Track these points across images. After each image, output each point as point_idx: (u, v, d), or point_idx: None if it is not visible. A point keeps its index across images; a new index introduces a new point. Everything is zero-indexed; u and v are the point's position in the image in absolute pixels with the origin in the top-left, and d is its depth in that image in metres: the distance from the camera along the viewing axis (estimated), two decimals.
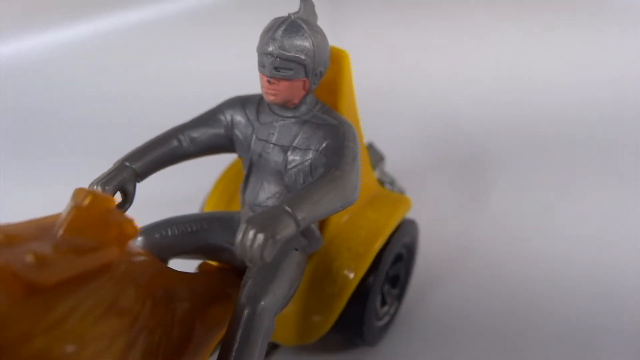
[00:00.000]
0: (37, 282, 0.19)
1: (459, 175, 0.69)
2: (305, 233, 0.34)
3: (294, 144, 0.32)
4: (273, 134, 0.33)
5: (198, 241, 0.35)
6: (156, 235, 0.33)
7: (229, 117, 0.34)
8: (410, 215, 0.45)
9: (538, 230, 0.59)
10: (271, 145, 0.33)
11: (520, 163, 0.72)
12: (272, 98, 0.31)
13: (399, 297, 0.46)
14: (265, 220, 0.24)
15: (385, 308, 0.44)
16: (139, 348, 0.22)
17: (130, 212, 0.28)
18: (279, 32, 0.29)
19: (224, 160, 0.44)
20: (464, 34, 1.19)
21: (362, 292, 0.38)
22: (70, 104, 0.88)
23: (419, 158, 0.72)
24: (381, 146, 0.56)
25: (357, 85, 0.39)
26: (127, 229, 0.22)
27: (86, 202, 0.22)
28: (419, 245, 0.48)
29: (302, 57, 0.30)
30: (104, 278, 0.21)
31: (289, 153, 0.32)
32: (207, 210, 0.44)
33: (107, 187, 0.30)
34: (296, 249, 0.33)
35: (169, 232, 0.34)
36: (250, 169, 0.34)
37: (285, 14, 0.31)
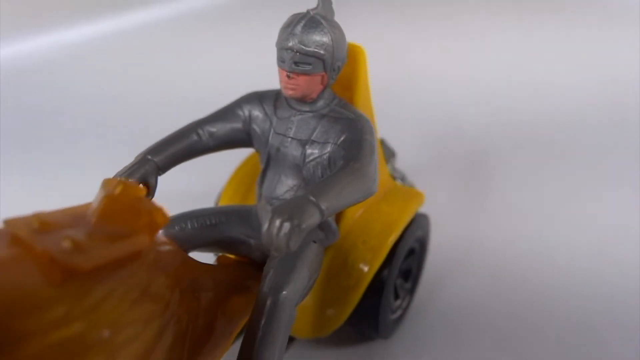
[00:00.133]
0: (74, 267, 0.19)
1: (466, 173, 0.70)
2: (322, 226, 0.35)
3: (312, 138, 0.32)
4: (291, 128, 0.33)
5: (217, 234, 0.35)
6: (176, 228, 0.34)
7: (246, 112, 0.35)
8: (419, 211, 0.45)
9: (544, 226, 0.59)
10: (289, 139, 0.33)
11: (526, 161, 0.73)
12: (291, 92, 0.32)
13: (411, 291, 0.46)
14: (291, 209, 0.24)
15: (398, 302, 0.45)
16: (169, 334, 0.23)
17: None
18: (299, 28, 0.30)
19: (238, 156, 0.45)
20: (469, 34, 1.20)
21: (377, 285, 0.39)
22: (75, 104, 0.89)
23: (426, 155, 0.72)
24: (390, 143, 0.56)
25: None
26: (157, 217, 0.23)
27: (117, 191, 0.22)
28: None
29: (321, 52, 0.30)
30: (135, 265, 0.22)
31: (307, 146, 0.32)
32: (222, 204, 0.44)
33: (130, 180, 0.31)
34: (314, 242, 0.34)
35: (189, 225, 0.34)
36: (268, 162, 0.35)
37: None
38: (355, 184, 0.28)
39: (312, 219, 0.25)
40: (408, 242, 0.41)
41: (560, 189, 0.66)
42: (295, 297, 0.30)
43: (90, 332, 0.19)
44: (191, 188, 0.50)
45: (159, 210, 0.23)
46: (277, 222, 0.24)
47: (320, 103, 0.33)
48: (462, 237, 0.57)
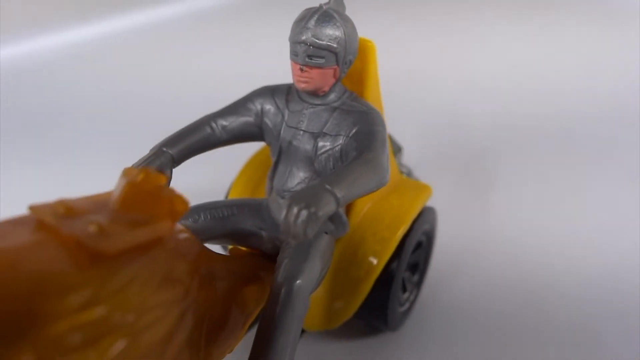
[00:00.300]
0: (100, 251, 0.19)
1: (470, 168, 0.70)
2: (333, 218, 0.35)
3: (324, 130, 0.33)
4: (303, 121, 0.34)
5: (229, 226, 0.36)
6: (189, 220, 0.34)
7: (258, 106, 0.35)
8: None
9: (548, 222, 0.60)
10: (301, 132, 0.34)
11: (530, 157, 0.73)
12: (303, 85, 0.32)
13: (418, 284, 0.47)
14: (308, 197, 0.25)
15: (406, 295, 0.45)
16: (189, 320, 0.23)
17: None
18: (312, 22, 0.31)
19: (246, 151, 0.46)
20: (475, 31, 1.22)
21: (386, 277, 0.39)
22: (78, 104, 0.89)
23: (431, 151, 0.73)
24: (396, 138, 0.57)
25: None
26: (177, 205, 0.23)
27: (139, 178, 0.23)
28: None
29: (334, 45, 0.31)
30: (157, 251, 0.22)
31: (319, 139, 0.33)
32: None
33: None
34: (326, 233, 0.34)
35: (202, 217, 0.35)
36: (279, 156, 0.35)
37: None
38: (369, 173, 0.28)
39: (329, 206, 0.25)
40: (416, 234, 0.41)
41: (564, 185, 0.67)
42: (309, 286, 0.30)
43: (115, 315, 0.19)
44: (200, 184, 0.50)
45: (179, 198, 0.23)
46: (295, 210, 0.24)
47: (332, 96, 0.33)
48: (466, 232, 0.58)
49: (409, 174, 0.52)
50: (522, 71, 0.99)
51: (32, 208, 0.21)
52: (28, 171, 0.69)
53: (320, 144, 0.33)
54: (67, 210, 0.21)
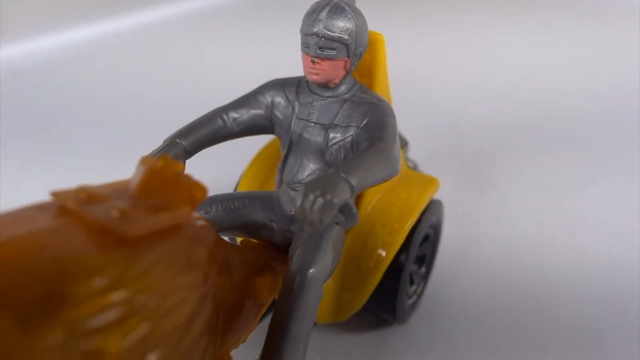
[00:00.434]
0: (123, 235, 0.20)
1: (474, 164, 0.71)
2: (343, 209, 0.36)
3: (335, 122, 0.33)
4: (313, 113, 0.34)
5: (240, 218, 0.36)
6: (202, 212, 0.34)
7: (269, 99, 0.36)
8: None
9: (550, 218, 0.60)
10: (312, 123, 0.34)
11: (533, 155, 0.74)
12: (314, 77, 0.32)
13: (425, 277, 0.47)
14: (324, 184, 0.25)
15: (413, 287, 0.45)
16: (209, 304, 0.24)
17: None
18: (324, 14, 0.31)
19: (253, 145, 0.46)
20: (480, 29, 1.22)
21: (395, 269, 0.39)
22: (82, 103, 0.90)
23: (436, 145, 0.73)
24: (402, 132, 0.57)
25: None
26: (196, 192, 0.23)
27: (158, 165, 0.23)
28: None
29: (346, 37, 0.31)
30: (177, 236, 0.22)
31: (329, 130, 0.33)
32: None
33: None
34: (337, 223, 0.34)
35: (213, 209, 0.35)
36: (290, 148, 0.35)
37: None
38: (382, 162, 0.29)
39: (344, 194, 0.26)
40: (424, 227, 0.42)
41: (566, 182, 0.67)
42: (322, 275, 0.31)
43: (138, 298, 0.20)
44: (208, 177, 0.50)
45: (198, 185, 0.24)
46: (311, 197, 0.25)
47: (342, 88, 0.34)
48: (471, 226, 0.58)
49: (415, 168, 0.53)
50: (525, 70, 1.00)
51: (55, 194, 0.21)
52: (30, 171, 0.69)
53: (331, 135, 0.33)
54: (89, 196, 0.21)
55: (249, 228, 0.36)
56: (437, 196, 0.46)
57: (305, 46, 0.32)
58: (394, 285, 0.40)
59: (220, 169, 0.51)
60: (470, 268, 0.52)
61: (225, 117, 0.35)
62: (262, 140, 0.44)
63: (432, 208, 0.43)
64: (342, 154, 0.33)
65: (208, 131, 0.34)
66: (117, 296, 0.19)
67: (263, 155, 0.45)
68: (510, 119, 0.83)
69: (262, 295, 0.32)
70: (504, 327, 0.46)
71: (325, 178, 0.26)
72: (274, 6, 1.41)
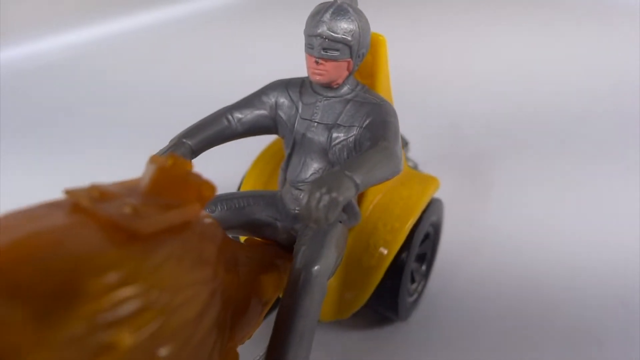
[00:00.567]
0: (136, 231, 0.20)
1: (474, 163, 0.72)
2: (346, 208, 0.36)
3: (338, 122, 0.34)
4: (317, 113, 0.35)
5: (244, 217, 0.36)
6: (207, 211, 0.35)
7: (272, 99, 0.36)
8: None
9: (550, 216, 0.61)
10: (315, 123, 0.35)
11: (533, 154, 0.74)
12: (318, 78, 0.33)
13: (426, 275, 0.48)
14: (329, 182, 0.26)
15: (414, 285, 0.46)
16: (218, 300, 0.24)
17: None
18: (327, 15, 0.32)
19: (256, 146, 0.46)
20: (478, 30, 1.24)
21: (397, 267, 0.40)
22: (84, 104, 0.90)
23: (435, 145, 0.74)
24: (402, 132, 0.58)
25: None
26: (205, 190, 0.24)
27: (168, 164, 0.24)
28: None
29: (349, 38, 0.32)
30: (187, 233, 0.23)
31: (333, 130, 0.34)
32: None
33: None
34: (340, 222, 0.35)
35: (218, 208, 0.36)
36: (293, 147, 0.36)
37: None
38: (385, 161, 0.29)
39: (348, 191, 0.26)
40: (425, 225, 0.42)
41: (566, 181, 0.68)
42: (327, 272, 0.31)
43: (150, 293, 0.20)
44: (212, 177, 0.51)
45: (207, 183, 0.24)
46: (317, 195, 0.25)
47: (345, 89, 0.34)
48: (470, 225, 0.59)
49: (415, 167, 0.54)
50: (525, 70, 1.01)
51: (68, 192, 0.22)
52: (31, 171, 0.70)
53: (335, 135, 0.34)
54: (101, 194, 0.22)
55: (253, 227, 0.37)
56: (437, 195, 0.46)
57: (309, 47, 0.33)
58: (396, 283, 0.40)
59: (223, 169, 0.52)
60: (470, 266, 0.53)
61: (230, 117, 0.36)
62: (265, 140, 0.44)
63: (433, 207, 0.44)
64: (345, 154, 0.34)
65: (213, 131, 0.35)
66: (130, 291, 0.19)
67: (266, 155, 0.46)
68: (509, 119, 0.83)
69: (267, 292, 0.32)
70: (504, 324, 0.46)
71: (330, 176, 0.26)
72: (277, 7, 1.41)
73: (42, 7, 1.15)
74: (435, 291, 0.49)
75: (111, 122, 0.83)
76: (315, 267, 0.30)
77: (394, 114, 0.33)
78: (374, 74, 0.38)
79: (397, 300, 0.41)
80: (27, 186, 0.65)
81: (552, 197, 0.64)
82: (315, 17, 0.32)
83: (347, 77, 0.34)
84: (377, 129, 0.32)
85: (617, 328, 0.46)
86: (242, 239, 0.41)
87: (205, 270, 0.23)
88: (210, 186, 0.24)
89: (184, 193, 0.24)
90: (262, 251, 0.34)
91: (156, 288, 0.20)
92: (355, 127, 0.33)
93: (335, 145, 0.34)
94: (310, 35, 0.32)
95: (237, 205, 0.36)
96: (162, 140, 0.35)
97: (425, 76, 0.97)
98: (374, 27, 0.35)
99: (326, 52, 0.32)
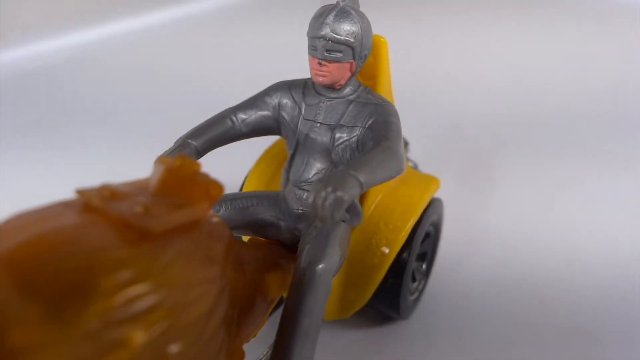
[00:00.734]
0: (148, 229, 0.21)
1: (473, 164, 0.72)
2: (348, 207, 0.36)
3: (341, 122, 0.34)
4: (320, 113, 0.35)
5: (248, 217, 0.37)
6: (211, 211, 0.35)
7: (275, 100, 0.37)
8: None
9: (549, 215, 0.62)
10: (318, 124, 0.35)
11: (532, 152, 0.75)
12: (321, 79, 0.33)
13: (426, 274, 0.48)
14: (335, 181, 0.26)
15: (415, 284, 0.46)
16: (226, 298, 0.24)
17: None
18: (331, 17, 0.32)
19: (259, 144, 0.47)
20: (476, 30, 1.25)
21: (399, 266, 0.41)
22: (85, 104, 0.90)
23: (435, 146, 0.75)
24: None
25: None
26: (213, 190, 0.24)
27: (176, 164, 0.24)
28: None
29: (352, 40, 0.32)
30: (196, 232, 0.23)
31: (336, 131, 0.34)
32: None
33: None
34: (343, 221, 0.35)
35: (222, 208, 0.36)
36: (296, 148, 0.36)
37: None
38: (388, 161, 0.30)
39: (353, 190, 0.26)
40: (426, 224, 0.43)
41: (565, 179, 0.68)
42: (331, 271, 0.31)
43: (162, 290, 0.20)
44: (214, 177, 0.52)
45: (215, 183, 0.24)
46: (323, 194, 0.26)
47: (348, 90, 0.35)
48: (469, 224, 0.60)
49: (415, 167, 0.54)
50: (525, 70, 1.02)
51: (80, 192, 0.22)
52: (35, 171, 0.70)
53: (337, 135, 0.34)
54: (112, 193, 0.22)
55: (256, 227, 0.37)
56: (437, 195, 0.47)
57: (312, 49, 0.33)
58: (398, 282, 0.41)
59: (225, 170, 0.52)
60: (469, 265, 0.53)
61: (234, 118, 0.36)
62: (266, 141, 0.45)
63: (433, 206, 0.44)
64: (348, 154, 0.34)
65: (218, 132, 0.35)
66: (142, 289, 0.20)
67: (268, 155, 0.46)
68: (509, 119, 0.84)
69: (272, 291, 0.33)
70: (504, 322, 0.47)
71: (335, 175, 0.27)
72: (278, 8, 1.42)
73: (42, 8, 1.16)
74: (436, 290, 0.50)
75: (111, 123, 0.83)
76: (320, 266, 0.31)
77: (396, 114, 0.34)
78: (376, 75, 0.38)
79: (399, 299, 0.41)
80: (27, 187, 0.65)
81: (551, 196, 0.65)
82: (319, 19, 0.32)
83: (350, 78, 0.35)
84: (380, 129, 0.32)
85: (617, 327, 0.46)
86: (245, 238, 0.41)
87: (214, 268, 0.23)
88: (218, 186, 0.24)
89: (193, 193, 0.24)
90: (266, 251, 0.35)
91: (167, 286, 0.21)
92: (358, 128, 0.34)
93: (338, 145, 0.34)
94: (314, 37, 0.33)
95: (241, 206, 0.37)
96: (162, 141, 0.35)
97: (426, 77, 0.97)
98: (375, 29, 0.36)
99: (329, 53, 0.32)
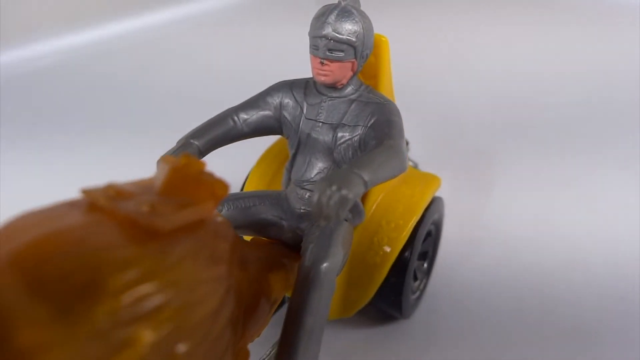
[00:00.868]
0: (155, 228, 0.21)
1: (473, 163, 0.72)
2: (351, 206, 0.37)
3: (343, 121, 0.34)
4: (321, 113, 0.35)
5: (250, 216, 0.37)
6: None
7: (277, 100, 0.37)
8: None
9: (549, 214, 0.62)
10: (320, 123, 0.35)
11: (532, 151, 0.75)
12: (323, 79, 0.34)
13: (428, 273, 0.48)
14: (339, 180, 0.26)
15: (417, 283, 0.47)
16: (232, 297, 0.24)
17: None
18: (332, 17, 0.32)
19: (260, 144, 0.47)
20: (475, 28, 1.25)
21: (401, 265, 0.41)
22: (89, 104, 0.91)
23: (433, 145, 0.75)
24: None
25: None
26: (218, 189, 0.24)
27: (181, 163, 0.24)
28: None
29: (354, 39, 0.32)
30: (202, 231, 0.23)
31: (338, 130, 0.34)
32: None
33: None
34: (346, 220, 0.35)
35: (225, 208, 0.36)
36: (298, 147, 0.36)
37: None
38: (392, 159, 0.30)
39: (358, 189, 0.27)
40: (427, 223, 0.43)
41: (565, 178, 0.69)
42: (335, 269, 0.31)
43: (170, 289, 0.20)
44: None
45: (220, 182, 0.24)
46: (328, 192, 0.26)
47: (349, 89, 0.35)
48: (469, 224, 0.60)
49: (415, 167, 0.54)
50: (524, 70, 1.02)
51: (85, 192, 0.22)
52: (35, 172, 0.70)
53: (340, 134, 0.34)
54: (118, 193, 0.22)
55: (259, 226, 0.37)
56: (437, 194, 0.47)
57: (314, 48, 0.33)
58: (400, 281, 0.41)
59: (226, 170, 0.52)
60: (470, 263, 0.54)
61: (235, 118, 0.36)
62: (267, 141, 0.45)
63: (434, 205, 0.44)
64: (350, 153, 0.34)
65: (220, 132, 0.35)
66: (150, 288, 0.20)
67: (269, 155, 0.46)
68: (509, 118, 0.85)
69: (275, 291, 0.33)
70: (504, 321, 0.47)
71: (339, 174, 0.27)
72: (280, 8, 1.43)
73: (43, 9, 1.16)
74: (437, 289, 0.50)
75: (111, 124, 0.83)
76: (324, 265, 0.31)
77: (397, 113, 0.34)
78: (377, 74, 0.38)
79: (401, 298, 0.41)
80: (27, 187, 0.65)
81: (551, 194, 0.65)
82: (320, 18, 0.33)
83: (351, 78, 0.35)
84: (382, 128, 0.33)
85: (617, 327, 0.46)
86: (247, 238, 0.41)
87: (220, 267, 0.23)
88: (223, 185, 0.24)
89: (198, 192, 0.24)
90: (268, 250, 0.34)
91: (174, 285, 0.21)
92: (360, 127, 0.34)
93: (340, 144, 0.34)
94: (316, 37, 0.33)
95: (243, 205, 0.37)
96: (161, 141, 0.35)
97: (426, 76, 0.98)
98: (376, 29, 0.36)
99: (331, 53, 0.32)
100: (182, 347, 0.21)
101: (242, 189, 0.46)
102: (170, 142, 0.38)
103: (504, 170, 0.70)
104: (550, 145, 0.77)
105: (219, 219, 0.26)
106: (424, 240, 0.46)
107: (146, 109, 0.88)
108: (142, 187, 0.24)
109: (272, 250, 0.35)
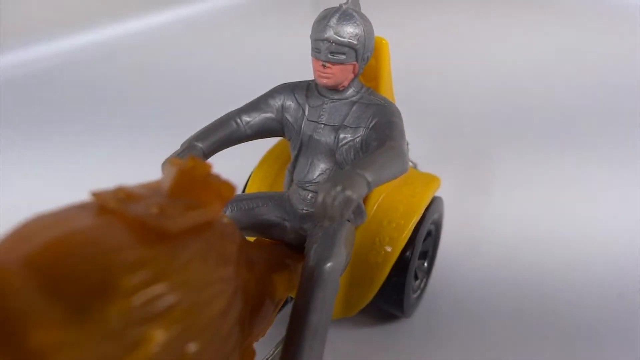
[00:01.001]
0: (164, 230, 0.21)
1: (473, 163, 0.73)
2: None
3: (345, 123, 0.35)
4: (323, 115, 0.36)
5: (254, 218, 0.37)
6: None
7: (279, 102, 0.37)
8: None
9: (549, 213, 0.62)
10: (322, 125, 0.36)
11: (531, 151, 0.76)
12: (325, 81, 0.34)
13: (428, 272, 0.49)
14: (343, 181, 0.26)
15: (417, 282, 0.47)
16: (240, 297, 0.25)
17: None
18: (334, 20, 0.33)
19: (261, 146, 0.47)
20: (474, 30, 1.26)
21: (402, 264, 0.41)
22: (89, 105, 0.91)
23: (432, 145, 0.75)
24: None
25: None
26: (225, 191, 0.25)
27: (188, 166, 0.24)
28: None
29: (355, 42, 0.33)
30: (209, 232, 0.24)
31: (339, 131, 0.35)
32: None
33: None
34: (348, 220, 0.36)
35: (228, 209, 0.36)
36: (300, 149, 0.37)
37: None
38: (394, 160, 0.30)
39: (361, 189, 0.27)
40: (427, 223, 0.43)
41: (565, 177, 0.69)
42: (338, 269, 0.32)
43: (180, 290, 0.21)
44: None
45: (226, 184, 0.25)
46: (332, 193, 0.26)
47: (351, 91, 0.35)
48: (468, 223, 0.60)
49: (415, 167, 0.55)
50: (524, 70, 1.03)
51: (95, 194, 0.22)
52: (35, 173, 0.70)
53: (341, 136, 0.35)
54: (127, 195, 0.22)
55: (262, 227, 0.38)
56: (437, 193, 0.47)
57: (316, 51, 0.34)
58: (401, 280, 0.41)
59: (228, 171, 0.52)
60: (470, 263, 0.54)
61: (238, 120, 0.36)
62: (269, 142, 0.45)
63: (434, 205, 0.45)
64: (352, 154, 0.35)
65: (223, 134, 0.36)
66: (161, 288, 0.20)
67: (270, 156, 0.46)
68: (509, 118, 0.85)
69: (279, 291, 0.33)
70: (504, 320, 0.47)
71: (343, 175, 0.27)
72: (281, 9, 1.43)
73: (44, 10, 1.16)
74: (437, 289, 0.50)
75: (112, 124, 0.84)
76: (328, 264, 0.31)
77: (398, 114, 0.34)
78: (378, 76, 0.39)
79: (403, 297, 0.42)
80: (27, 187, 0.65)
81: (551, 194, 0.65)
82: (322, 22, 0.33)
83: (353, 80, 0.35)
84: (384, 129, 0.33)
85: (617, 327, 0.47)
86: (250, 239, 0.42)
87: (228, 268, 0.24)
88: (230, 187, 0.25)
89: (205, 194, 0.24)
90: (272, 251, 0.35)
91: (185, 286, 0.21)
92: (362, 128, 0.34)
93: (342, 146, 0.35)
94: (317, 40, 0.33)
95: (246, 207, 0.37)
96: (162, 142, 0.35)
97: (426, 78, 0.98)
98: (376, 31, 0.36)
99: (333, 55, 0.33)
100: (192, 347, 0.21)
101: (243, 191, 0.46)
102: (170, 142, 0.38)
103: (504, 170, 0.71)
104: (550, 145, 0.77)
105: (225, 220, 0.27)
106: (424, 239, 0.46)
107: (146, 110, 0.89)
108: (150, 190, 0.24)
109: (276, 251, 0.35)
